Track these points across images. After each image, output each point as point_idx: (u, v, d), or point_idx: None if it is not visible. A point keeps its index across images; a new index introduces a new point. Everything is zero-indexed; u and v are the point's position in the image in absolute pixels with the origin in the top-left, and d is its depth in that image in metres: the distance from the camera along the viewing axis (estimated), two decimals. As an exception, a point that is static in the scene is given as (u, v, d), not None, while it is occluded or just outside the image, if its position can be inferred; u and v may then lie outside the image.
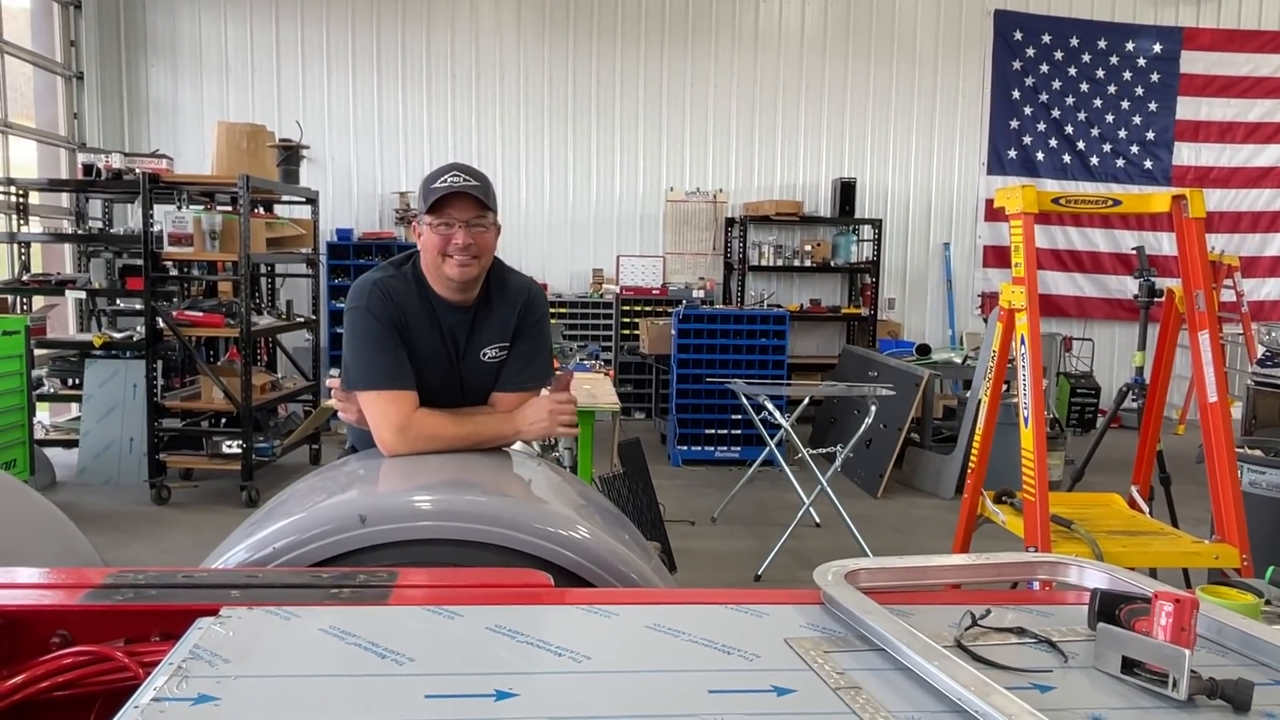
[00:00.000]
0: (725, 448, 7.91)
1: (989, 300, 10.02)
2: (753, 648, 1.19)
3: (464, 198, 2.25)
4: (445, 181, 2.24)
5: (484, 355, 2.36)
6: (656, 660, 1.17)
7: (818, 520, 6.03)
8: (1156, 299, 4.12)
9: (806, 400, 6.69)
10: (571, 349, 6.75)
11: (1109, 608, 1.24)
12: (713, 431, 7.92)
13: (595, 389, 5.27)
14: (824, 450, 6.52)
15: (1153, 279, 4.22)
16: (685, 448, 7.91)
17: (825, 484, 5.64)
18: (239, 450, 6.49)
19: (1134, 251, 4.48)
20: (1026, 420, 3.50)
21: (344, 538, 1.61)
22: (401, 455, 2.17)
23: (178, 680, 1.04)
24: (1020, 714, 0.96)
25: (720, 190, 10.12)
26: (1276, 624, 1.44)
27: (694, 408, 7.87)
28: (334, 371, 2.52)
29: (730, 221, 10.11)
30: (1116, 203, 3.95)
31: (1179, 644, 1.09)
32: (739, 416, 7.43)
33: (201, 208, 6.77)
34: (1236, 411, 6.52)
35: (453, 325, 2.34)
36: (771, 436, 6.29)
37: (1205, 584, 1.58)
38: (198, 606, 1.26)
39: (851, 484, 7.22)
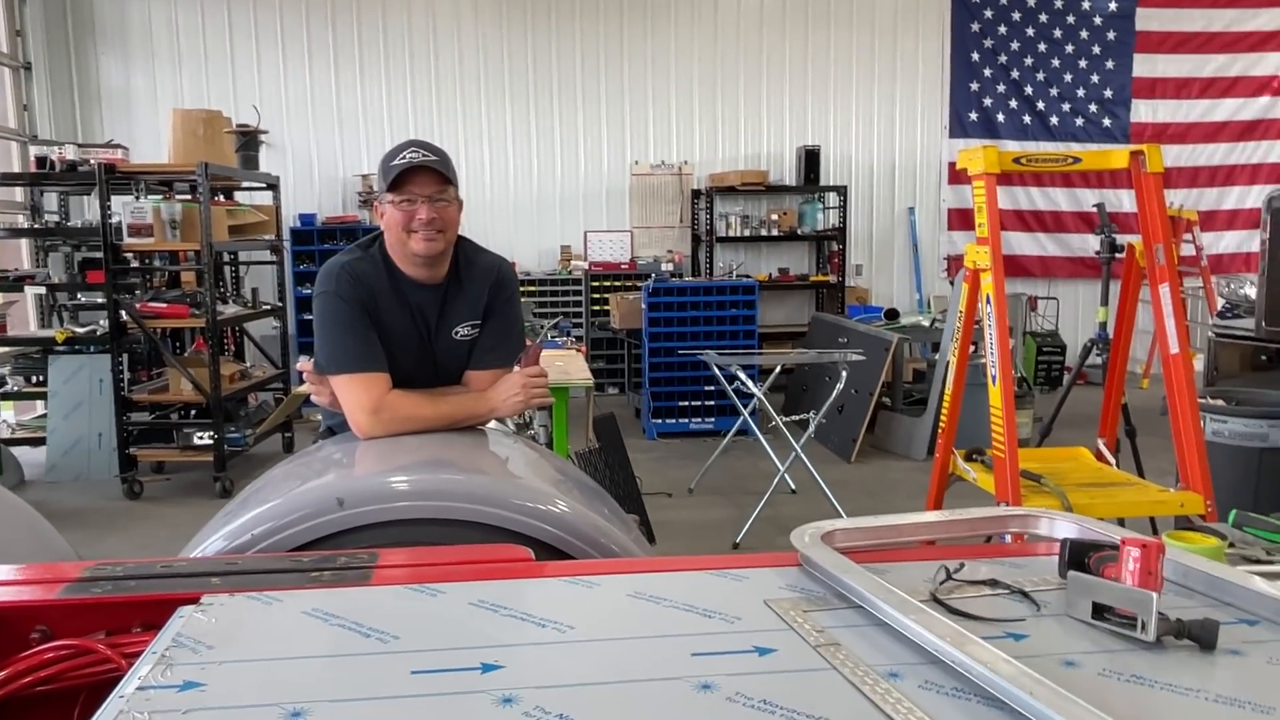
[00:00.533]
0: (699, 419, 7.94)
1: (955, 263, 10.09)
2: (733, 610, 1.21)
3: (424, 172, 2.24)
4: (404, 158, 2.23)
5: (456, 334, 2.36)
6: (640, 627, 1.19)
7: (793, 487, 6.08)
8: (1118, 255, 4.17)
9: (778, 369, 6.72)
10: (542, 326, 6.74)
11: (1079, 556, 1.27)
12: (686, 403, 7.94)
13: (568, 365, 5.27)
14: (797, 418, 6.58)
15: (1114, 235, 4.27)
16: (660, 420, 7.93)
17: (799, 451, 5.69)
18: (210, 441, 6.44)
19: (1095, 209, 4.52)
20: (994, 379, 3.55)
21: (322, 521, 1.61)
22: (377, 437, 2.17)
23: (162, 668, 1.04)
24: (996, 662, 0.98)
25: (685, 162, 10.09)
26: (1240, 565, 1.49)
27: (667, 380, 7.88)
28: (304, 358, 2.51)
29: (696, 193, 10.08)
30: (1076, 160, 3.99)
31: (1147, 588, 1.12)
32: (712, 388, 7.45)
33: (160, 197, 6.65)
34: (1199, 363, 6.63)
35: (422, 304, 2.33)
36: (745, 406, 6.33)
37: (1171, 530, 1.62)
38: (178, 596, 1.26)
39: (825, 450, 7.28)
